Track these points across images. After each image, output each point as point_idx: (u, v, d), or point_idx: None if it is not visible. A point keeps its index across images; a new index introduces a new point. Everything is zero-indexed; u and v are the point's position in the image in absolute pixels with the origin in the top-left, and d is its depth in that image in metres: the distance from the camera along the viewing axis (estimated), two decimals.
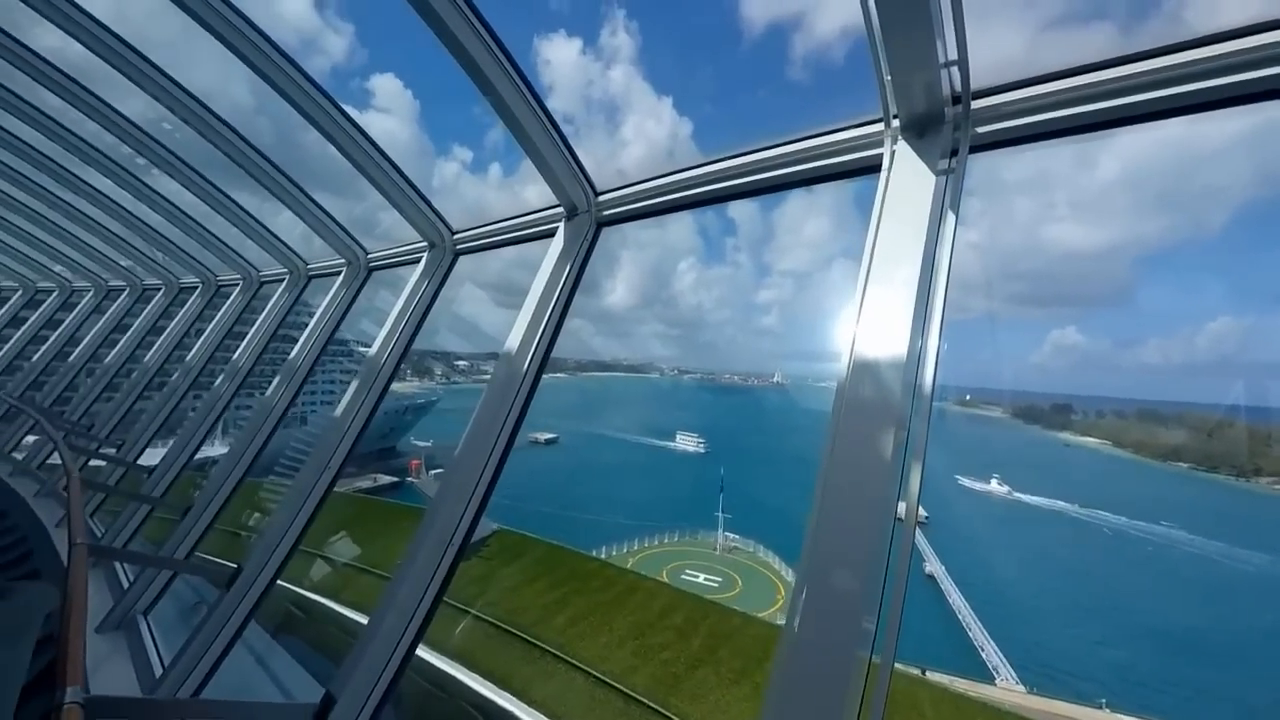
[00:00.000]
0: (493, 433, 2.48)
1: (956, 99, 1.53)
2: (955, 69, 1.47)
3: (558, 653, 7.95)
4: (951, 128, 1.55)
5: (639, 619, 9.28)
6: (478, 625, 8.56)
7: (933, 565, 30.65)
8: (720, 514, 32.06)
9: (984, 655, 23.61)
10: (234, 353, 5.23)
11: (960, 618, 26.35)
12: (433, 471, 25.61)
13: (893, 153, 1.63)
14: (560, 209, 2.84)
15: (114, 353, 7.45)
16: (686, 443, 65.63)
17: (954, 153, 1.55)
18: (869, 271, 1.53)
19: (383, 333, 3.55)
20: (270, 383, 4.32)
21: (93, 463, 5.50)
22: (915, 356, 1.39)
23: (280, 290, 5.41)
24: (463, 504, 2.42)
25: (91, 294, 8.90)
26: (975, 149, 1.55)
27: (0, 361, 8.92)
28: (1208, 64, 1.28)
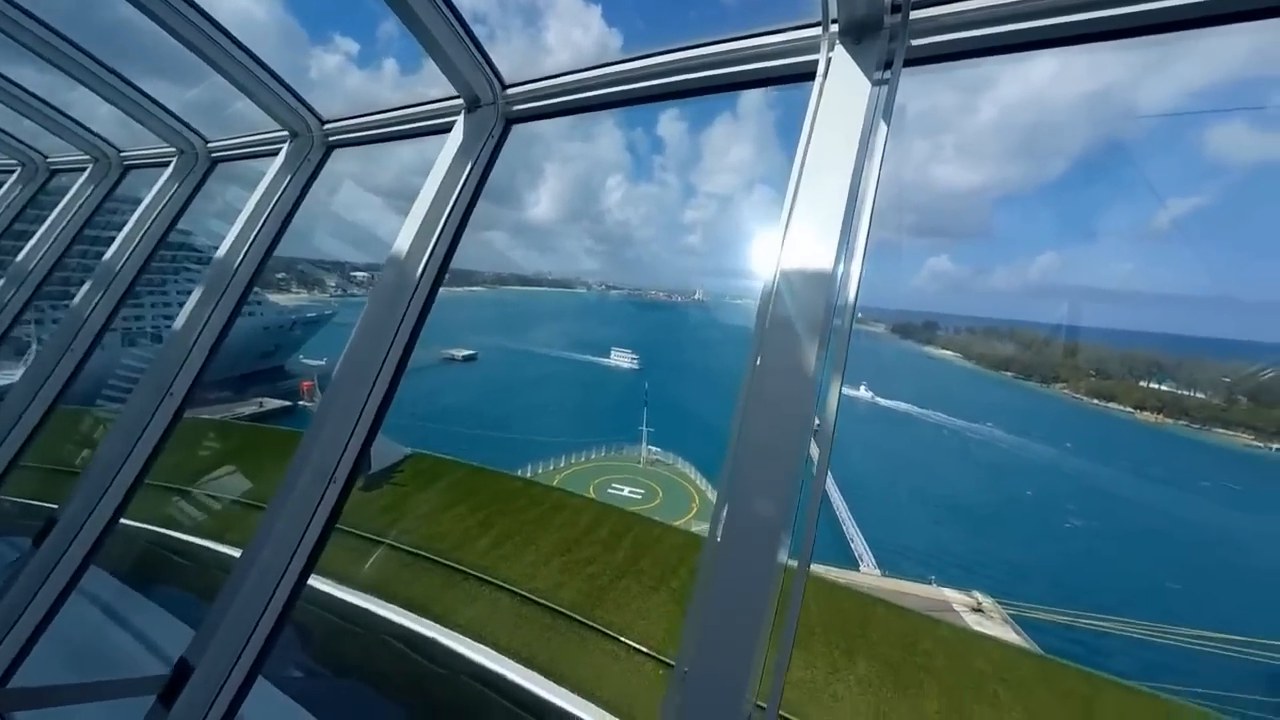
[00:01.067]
0: (381, 348, 2.16)
1: (896, 7, 1.46)
2: None
3: (481, 575, 7.94)
4: (888, 36, 1.49)
5: (565, 535, 9.53)
6: (392, 556, 8.25)
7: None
8: (644, 428, 33.70)
9: (853, 546, 28.41)
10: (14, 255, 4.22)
11: (837, 513, 31.14)
12: None
13: (829, 59, 1.55)
14: (460, 100, 2.37)
15: None
16: (621, 359, 66.17)
17: (889, 64, 1.50)
18: (800, 180, 1.46)
19: (232, 233, 2.93)
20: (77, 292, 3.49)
21: None
22: (839, 272, 1.39)
23: (82, 181, 4.37)
24: (347, 430, 2.11)
25: None
26: (910, 62, 1.51)
27: None
28: None
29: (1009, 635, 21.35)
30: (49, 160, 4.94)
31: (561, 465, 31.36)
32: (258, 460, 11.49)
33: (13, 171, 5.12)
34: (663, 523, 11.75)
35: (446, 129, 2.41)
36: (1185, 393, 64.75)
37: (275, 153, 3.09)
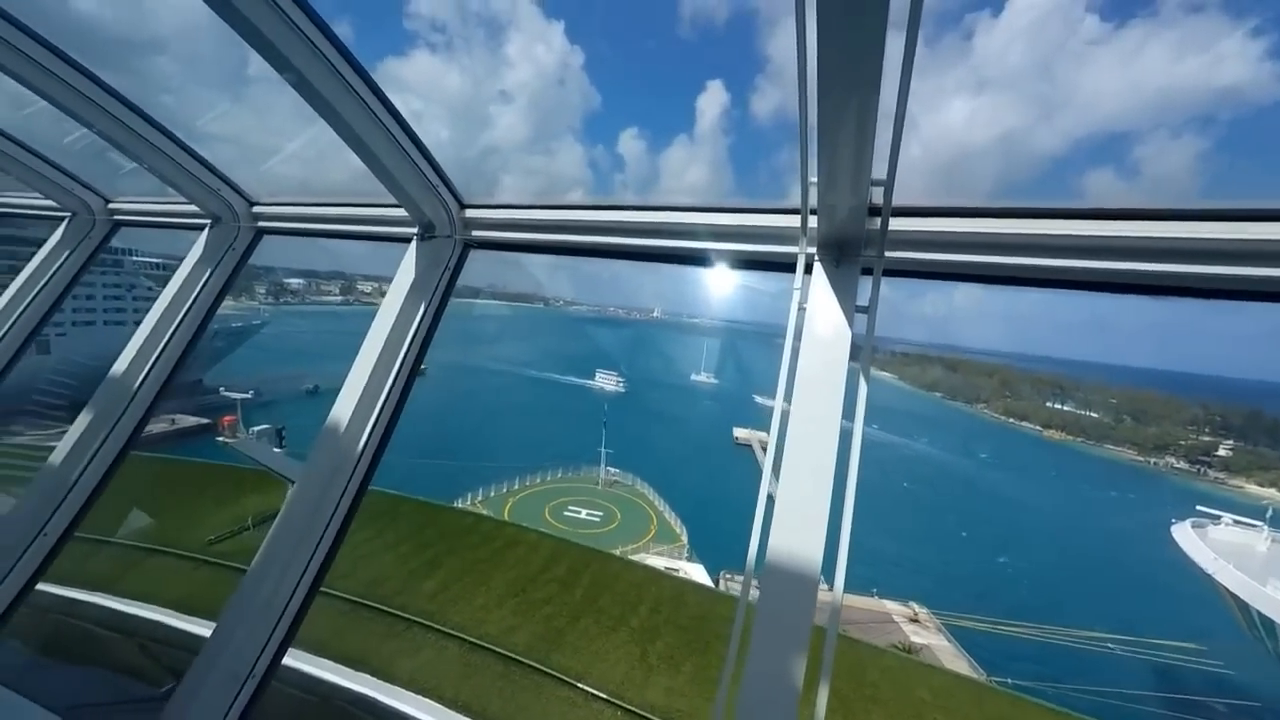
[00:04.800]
0: (334, 491, 2.03)
1: (875, 210, 1.45)
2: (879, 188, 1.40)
3: (426, 622, 7.45)
4: (866, 247, 1.54)
5: (520, 574, 9.17)
6: (324, 605, 7.58)
7: (771, 485, 36.47)
8: (603, 449, 33.25)
9: None
10: None
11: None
12: (255, 429, 21.26)
13: (808, 260, 1.59)
14: (413, 227, 2.25)
15: None
16: (606, 381, 62.96)
17: (869, 270, 1.56)
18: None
19: (134, 343, 2.59)
20: None
21: None
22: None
23: None
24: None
25: None
26: (889, 273, 1.55)
27: None
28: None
29: (943, 643, 22.63)
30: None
31: (515, 488, 30.26)
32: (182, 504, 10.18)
33: None
34: (622, 557, 11.51)
35: (400, 238, 2.30)
36: (1083, 412, 72.54)
37: (190, 226, 2.82)
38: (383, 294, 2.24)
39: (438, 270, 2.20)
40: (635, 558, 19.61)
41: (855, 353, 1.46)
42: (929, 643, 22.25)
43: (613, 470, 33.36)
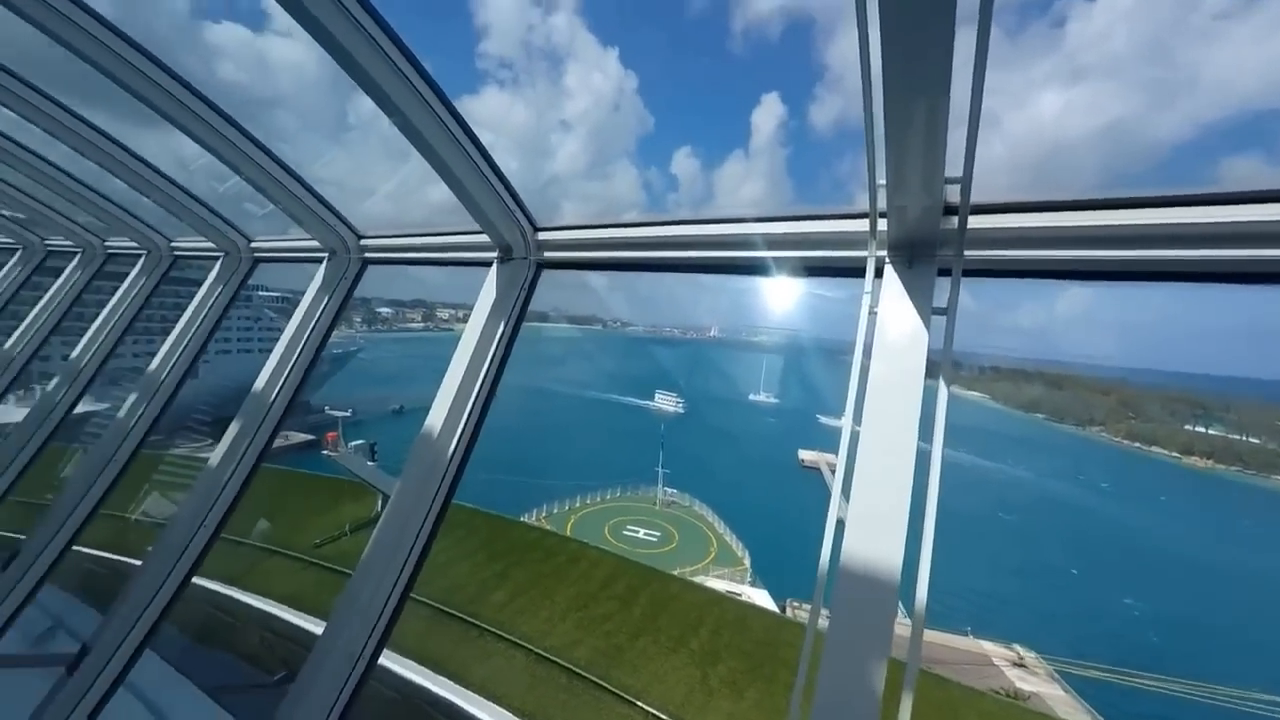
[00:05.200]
0: (424, 502, 2.22)
1: (951, 209, 1.36)
2: (955, 186, 1.31)
3: (497, 630, 7.81)
4: (942, 246, 1.42)
5: (582, 590, 9.36)
6: (409, 608, 8.18)
7: (841, 509, 34.22)
8: (660, 469, 33.18)
9: None
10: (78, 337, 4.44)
11: None
12: (353, 444, 23.64)
13: (879, 264, 1.50)
14: (493, 250, 2.45)
15: None
16: (665, 402, 62.35)
17: (946, 271, 1.44)
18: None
19: (270, 364, 3.03)
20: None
21: None
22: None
23: (137, 271, 4.56)
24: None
25: None
26: (969, 273, 1.43)
27: None
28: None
29: (1056, 692, 19.75)
30: (105, 244, 5.09)
31: (577, 505, 30.92)
32: (273, 503, 11.55)
33: (73, 255, 5.26)
34: (682, 578, 11.36)
35: (482, 264, 2.50)
36: (1238, 437, 61.38)
37: (314, 259, 3.20)
38: (459, 319, 2.46)
39: (514, 291, 2.37)
40: (695, 579, 19.21)
41: (933, 368, 1.36)
42: (1039, 690, 19.43)
43: (670, 491, 33.09)
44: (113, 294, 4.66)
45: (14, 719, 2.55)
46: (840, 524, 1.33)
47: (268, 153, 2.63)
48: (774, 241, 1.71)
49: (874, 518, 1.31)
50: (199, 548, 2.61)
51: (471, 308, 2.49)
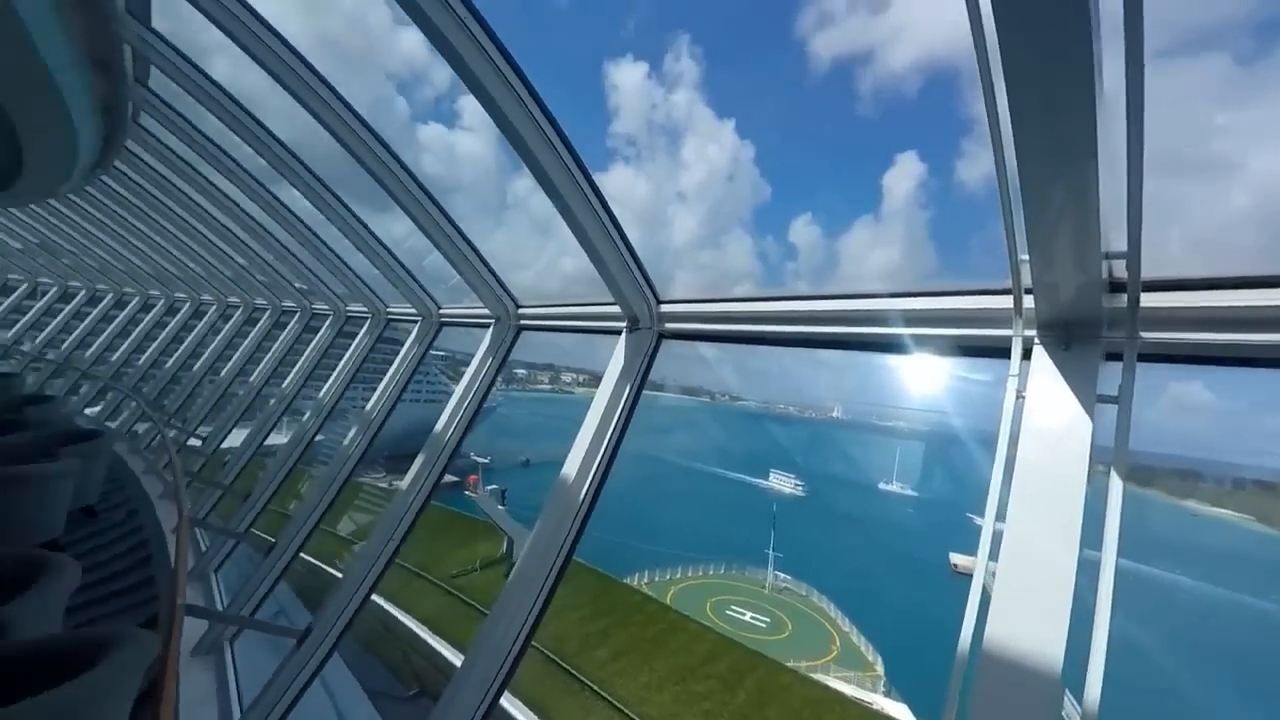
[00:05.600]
0: (552, 553, 2.41)
1: (1118, 286, 1.17)
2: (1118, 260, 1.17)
3: (597, 688, 7.89)
4: (1110, 327, 1.24)
5: (681, 662, 9.01)
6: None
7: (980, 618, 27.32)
8: (771, 551, 30.65)
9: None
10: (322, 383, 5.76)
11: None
12: (489, 488, 26.63)
13: (1026, 344, 1.33)
14: (623, 320, 2.74)
15: (202, 359, 8.60)
16: (783, 483, 56.21)
17: (1115, 355, 1.26)
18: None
19: (446, 413, 3.63)
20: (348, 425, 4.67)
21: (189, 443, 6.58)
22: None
23: (363, 331, 5.75)
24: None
25: (215, 308, 10.13)
26: (1145, 357, 1.23)
27: (122, 358, 10.32)
28: None
29: None
30: (346, 309, 6.18)
31: (678, 576, 29.67)
32: (424, 533, 13.18)
33: (327, 317, 6.53)
34: (794, 669, 10.14)
35: (612, 331, 2.76)
36: None
37: (482, 325, 3.73)
38: (579, 383, 2.88)
39: (639, 358, 2.56)
40: (812, 676, 16.79)
41: (1102, 454, 1.15)
42: None
43: (783, 576, 29.95)
44: (345, 349, 5.84)
45: (266, 666, 3.29)
46: (978, 641, 1.13)
47: (460, 232, 3.24)
48: (899, 317, 1.62)
49: (1021, 635, 1.07)
50: (381, 566, 3.13)
51: (590, 372, 2.87)
